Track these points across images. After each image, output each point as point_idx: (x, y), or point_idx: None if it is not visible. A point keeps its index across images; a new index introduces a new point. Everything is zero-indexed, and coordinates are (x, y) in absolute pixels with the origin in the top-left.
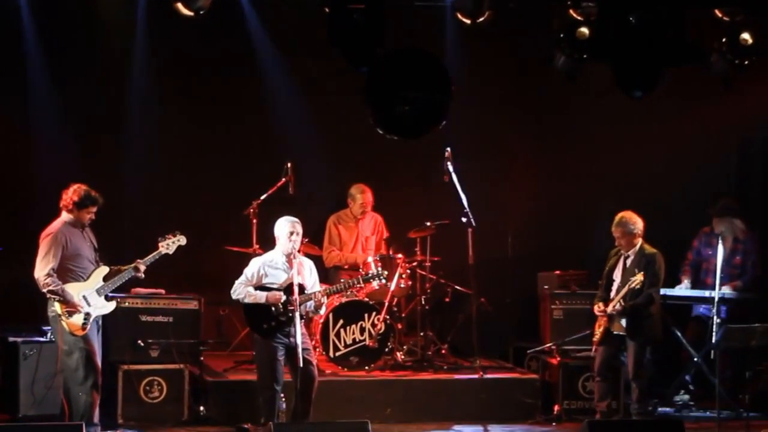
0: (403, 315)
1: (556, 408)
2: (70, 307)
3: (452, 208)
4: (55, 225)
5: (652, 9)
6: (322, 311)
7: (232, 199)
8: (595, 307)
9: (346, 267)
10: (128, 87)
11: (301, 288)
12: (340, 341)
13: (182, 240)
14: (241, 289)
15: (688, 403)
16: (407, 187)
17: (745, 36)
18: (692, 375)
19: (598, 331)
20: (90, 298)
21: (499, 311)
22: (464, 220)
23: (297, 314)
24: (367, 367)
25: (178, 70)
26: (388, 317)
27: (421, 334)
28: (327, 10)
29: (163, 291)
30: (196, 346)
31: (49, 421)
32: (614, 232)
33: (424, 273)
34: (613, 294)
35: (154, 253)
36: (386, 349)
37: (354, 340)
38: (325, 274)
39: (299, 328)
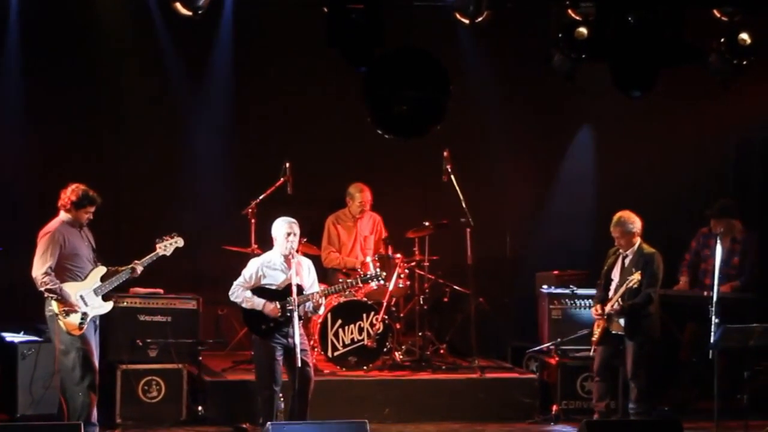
0: (402, 315)
1: (554, 408)
2: (68, 307)
3: (451, 207)
4: (53, 224)
5: (651, 9)
6: (321, 311)
7: (230, 199)
8: (593, 310)
9: (344, 271)
10: (127, 87)
11: (300, 288)
12: (338, 341)
13: (180, 242)
14: (239, 292)
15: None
16: (406, 187)
17: (744, 36)
18: (690, 375)
19: (597, 331)
20: (87, 297)
21: (497, 311)
22: (463, 220)
23: (295, 315)
24: (365, 367)
25: (176, 71)
26: (386, 317)
27: (420, 334)
28: (326, 9)
29: (161, 291)
30: (195, 345)
31: (47, 420)
32: (613, 232)
33: (422, 273)
34: (611, 294)
35: (152, 255)
36: (385, 349)
37: (352, 339)
38: (324, 274)
39: (297, 328)
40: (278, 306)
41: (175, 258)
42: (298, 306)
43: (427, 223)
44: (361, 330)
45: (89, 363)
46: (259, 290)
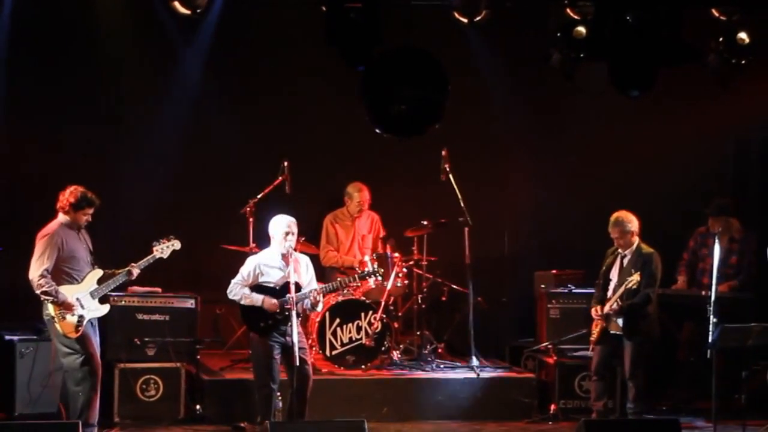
0: (400, 314)
1: (552, 407)
2: (64, 309)
3: (449, 207)
4: (52, 226)
5: (649, 8)
6: (320, 308)
7: (228, 198)
8: (593, 311)
9: (342, 269)
10: (125, 88)
11: (298, 286)
12: (336, 340)
13: (177, 244)
14: (237, 290)
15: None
16: (404, 186)
17: (742, 35)
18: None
19: (596, 331)
20: (84, 300)
21: (495, 310)
22: (461, 219)
23: (293, 313)
24: (363, 366)
25: (173, 71)
26: (384, 316)
27: (418, 333)
28: (324, 9)
29: (159, 289)
30: (193, 344)
31: (45, 419)
32: (611, 233)
33: (420, 272)
34: (610, 294)
35: (149, 257)
36: (383, 348)
37: (351, 338)
38: (322, 273)
39: (296, 326)
40: (277, 303)
41: (173, 257)
42: (297, 303)
43: (425, 223)
44: (359, 329)
45: (92, 363)
46: (257, 288)
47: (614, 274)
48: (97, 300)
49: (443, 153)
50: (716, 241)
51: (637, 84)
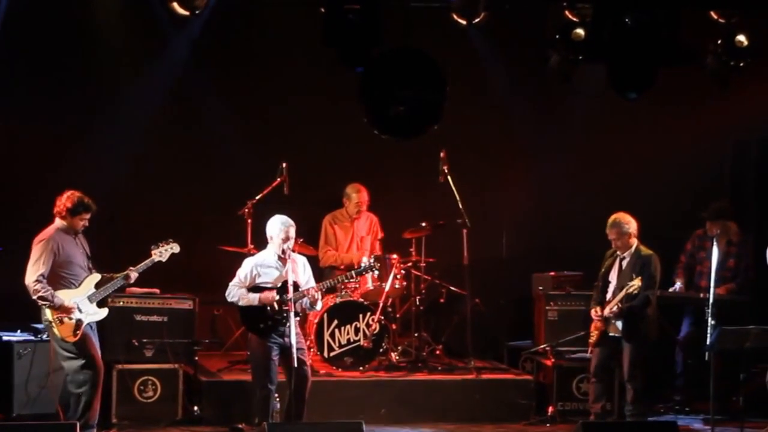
0: (398, 315)
1: (550, 409)
2: (61, 313)
3: (447, 208)
4: (48, 231)
5: (648, 10)
6: (318, 307)
7: (227, 199)
8: (593, 312)
9: (341, 267)
10: (122, 90)
11: (296, 286)
12: (334, 341)
13: (175, 248)
14: (235, 292)
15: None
16: (402, 187)
17: (741, 38)
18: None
19: (595, 333)
20: (81, 304)
21: (493, 312)
22: (459, 220)
23: (292, 314)
24: (361, 368)
25: (170, 72)
26: (382, 318)
27: (416, 334)
28: (323, 10)
29: (157, 290)
30: (191, 345)
31: (43, 420)
32: (609, 234)
33: (418, 273)
34: (609, 296)
35: (147, 261)
36: (381, 350)
37: (348, 340)
38: (320, 274)
39: (294, 327)
40: (274, 294)
41: (171, 258)
42: (295, 303)
43: (423, 224)
44: (357, 330)
45: (94, 365)
46: (255, 289)
47: (613, 277)
48: (95, 304)
49: (442, 154)
50: (714, 244)
51: (635, 86)
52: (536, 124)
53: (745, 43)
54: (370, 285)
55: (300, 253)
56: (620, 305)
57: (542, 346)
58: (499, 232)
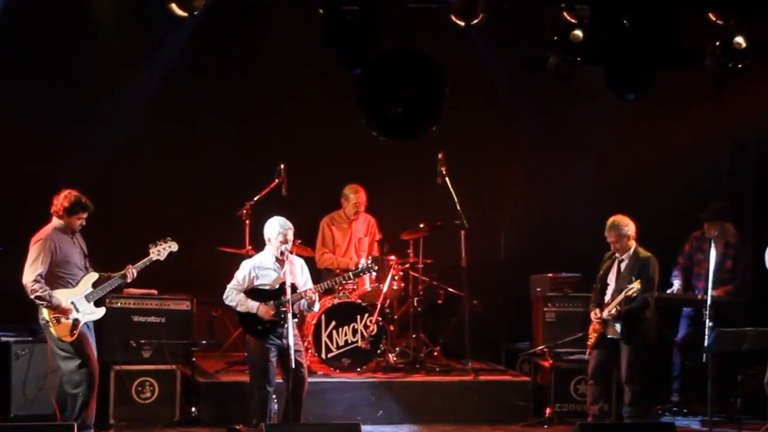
0: (396, 317)
1: (548, 411)
2: (58, 313)
3: (445, 210)
4: (45, 231)
5: (646, 12)
6: (316, 308)
7: (225, 201)
8: (592, 314)
9: (337, 271)
10: (121, 92)
11: (294, 288)
12: (332, 343)
13: (174, 246)
14: (233, 296)
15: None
16: (400, 188)
17: (739, 39)
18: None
19: (593, 335)
20: (78, 304)
21: (491, 313)
22: (457, 222)
23: (289, 316)
24: (359, 369)
25: (170, 74)
26: (380, 319)
27: (414, 336)
28: (321, 11)
29: (155, 291)
30: (188, 346)
31: (40, 421)
32: (608, 237)
33: (416, 275)
34: (607, 298)
35: (145, 260)
36: (378, 351)
37: (346, 341)
38: (317, 275)
39: (292, 329)
40: (272, 306)
41: (169, 259)
42: (293, 305)
43: (421, 225)
44: (354, 332)
45: (90, 366)
46: (253, 291)
47: (612, 279)
48: (92, 303)
49: (440, 156)
50: (712, 245)
51: (633, 87)
52: (535, 125)
53: (744, 44)
54: (368, 286)
55: (298, 254)
56: (619, 308)
57: (540, 348)
58: (497, 234)
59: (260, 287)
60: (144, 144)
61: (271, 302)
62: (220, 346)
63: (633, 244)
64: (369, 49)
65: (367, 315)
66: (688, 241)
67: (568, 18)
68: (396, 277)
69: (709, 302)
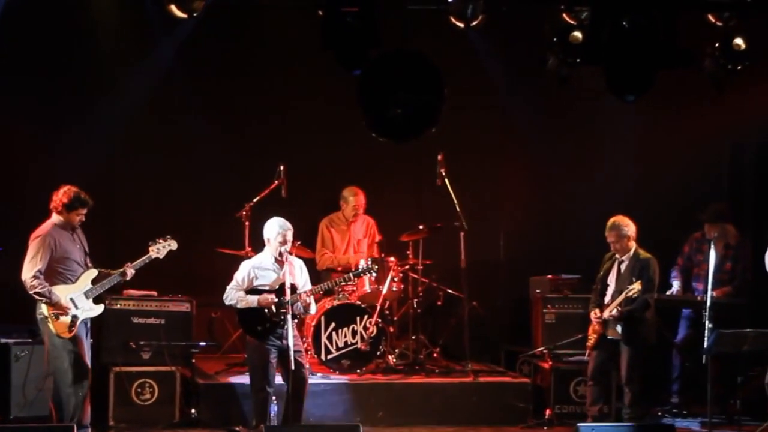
0: (395, 318)
1: (547, 412)
2: (57, 309)
3: (445, 211)
4: (45, 227)
5: (645, 13)
6: (312, 311)
7: (224, 202)
8: (592, 314)
9: (338, 269)
10: (121, 90)
11: (293, 288)
12: (332, 344)
13: (173, 244)
14: (233, 295)
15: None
16: (400, 190)
17: (738, 41)
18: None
19: (593, 336)
20: (78, 300)
21: (491, 315)
22: (457, 223)
23: (289, 316)
24: (358, 371)
25: (170, 74)
26: (380, 320)
27: (413, 337)
28: (320, 12)
29: (155, 293)
30: (188, 348)
31: (40, 422)
32: (608, 237)
33: (416, 276)
34: (608, 299)
35: (145, 257)
36: (378, 353)
37: (346, 343)
38: (317, 277)
39: (291, 330)
40: (273, 297)
41: (168, 260)
42: (292, 305)
43: (421, 227)
44: (354, 333)
45: (82, 364)
46: (252, 292)
47: (612, 280)
48: (91, 300)
49: (439, 157)
50: (712, 246)
51: (633, 88)
52: (534, 126)
53: (743, 46)
54: (367, 288)
55: (298, 255)
56: (620, 308)
57: (540, 349)
58: (497, 235)
59: (259, 288)
60: (143, 145)
61: (272, 295)
62: (220, 348)
63: (633, 244)
64: (368, 50)
65: (366, 316)
66: (688, 242)
67: (568, 19)
68: (395, 279)
69: (708, 303)
